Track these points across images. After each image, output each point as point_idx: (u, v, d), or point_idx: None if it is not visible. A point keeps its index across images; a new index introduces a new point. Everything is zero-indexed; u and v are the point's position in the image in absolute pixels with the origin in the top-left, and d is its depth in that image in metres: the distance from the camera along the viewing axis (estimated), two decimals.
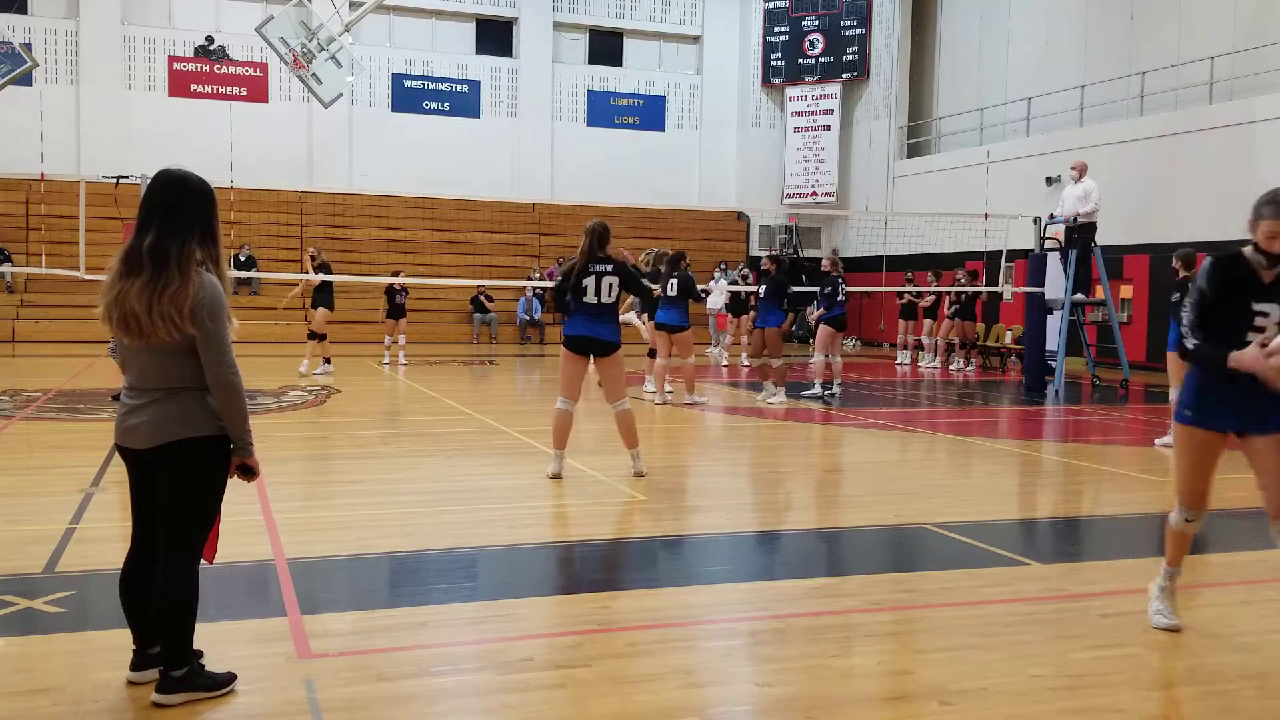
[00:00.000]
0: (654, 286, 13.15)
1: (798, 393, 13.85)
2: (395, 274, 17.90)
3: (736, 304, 20.89)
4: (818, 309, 13.83)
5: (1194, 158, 18.73)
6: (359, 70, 26.07)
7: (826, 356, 13.70)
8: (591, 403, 11.54)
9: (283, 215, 24.22)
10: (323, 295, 15.54)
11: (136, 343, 3.54)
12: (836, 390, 13.65)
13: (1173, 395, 9.99)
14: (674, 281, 12.53)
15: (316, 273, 15.49)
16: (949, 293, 19.20)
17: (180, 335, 3.50)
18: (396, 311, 17.76)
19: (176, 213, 3.57)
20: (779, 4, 28.65)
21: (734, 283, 21.29)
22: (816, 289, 13.83)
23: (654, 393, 13.30)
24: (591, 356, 7.85)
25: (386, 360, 17.79)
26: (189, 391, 3.59)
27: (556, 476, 7.80)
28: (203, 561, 3.78)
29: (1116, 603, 4.98)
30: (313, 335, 15.72)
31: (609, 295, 7.72)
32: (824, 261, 14.30)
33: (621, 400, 7.94)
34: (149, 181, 3.67)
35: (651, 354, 13.76)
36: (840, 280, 13.65)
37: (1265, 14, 18.38)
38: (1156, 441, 10.13)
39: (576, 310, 7.77)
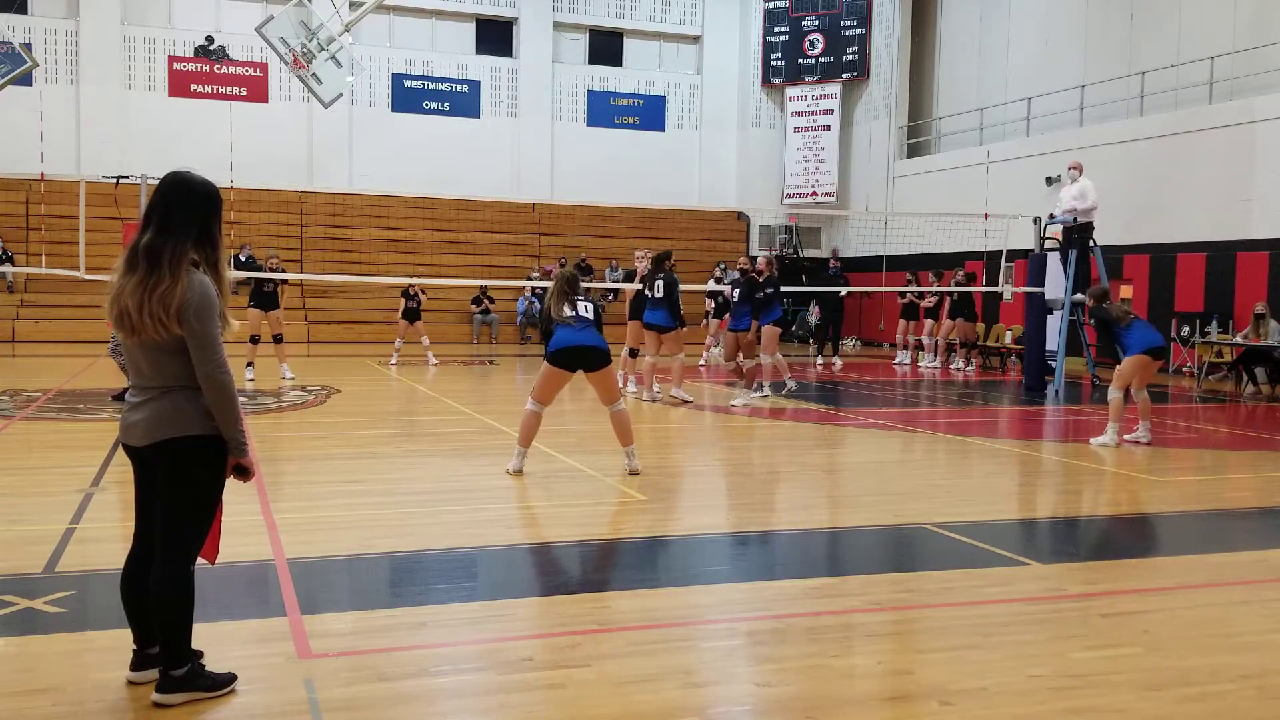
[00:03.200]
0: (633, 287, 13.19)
1: (764, 393, 13.87)
2: (410, 286, 18.11)
3: (719, 307, 20.85)
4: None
5: (1194, 158, 18.74)
6: (359, 70, 26.07)
7: (773, 356, 13.66)
8: (591, 402, 11.54)
9: (283, 215, 24.21)
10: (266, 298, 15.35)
11: (131, 340, 3.58)
12: (766, 390, 13.52)
13: (1113, 395, 10.05)
14: (659, 282, 12.57)
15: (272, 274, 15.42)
16: (949, 293, 19.20)
17: (167, 334, 3.52)
18: (410, 314, 17.94)
19: (174, 213, 3.60)
20: (779, 4, 28.65)
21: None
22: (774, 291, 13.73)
23: (635, 391, 13.33)
24: (581, 371, 7.94)
25: (394, 361, 17.80)
26: (183, 390, 3.60)
27: (518, 473, 7.86)
28: (205, 562, 3.79)
29: (1116, 603, 4.99)
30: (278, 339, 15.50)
31: (586, 312, 8.00)
32: (760, 260, 14.03)
33: (617, 402, 8.08)
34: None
35: (632, 353, 13.76)
36: (776, 280, 13.62)
37: (1265, 14, 18.38)
38: (1093, 441, 10.15)
39: (559, 327, 7.96)
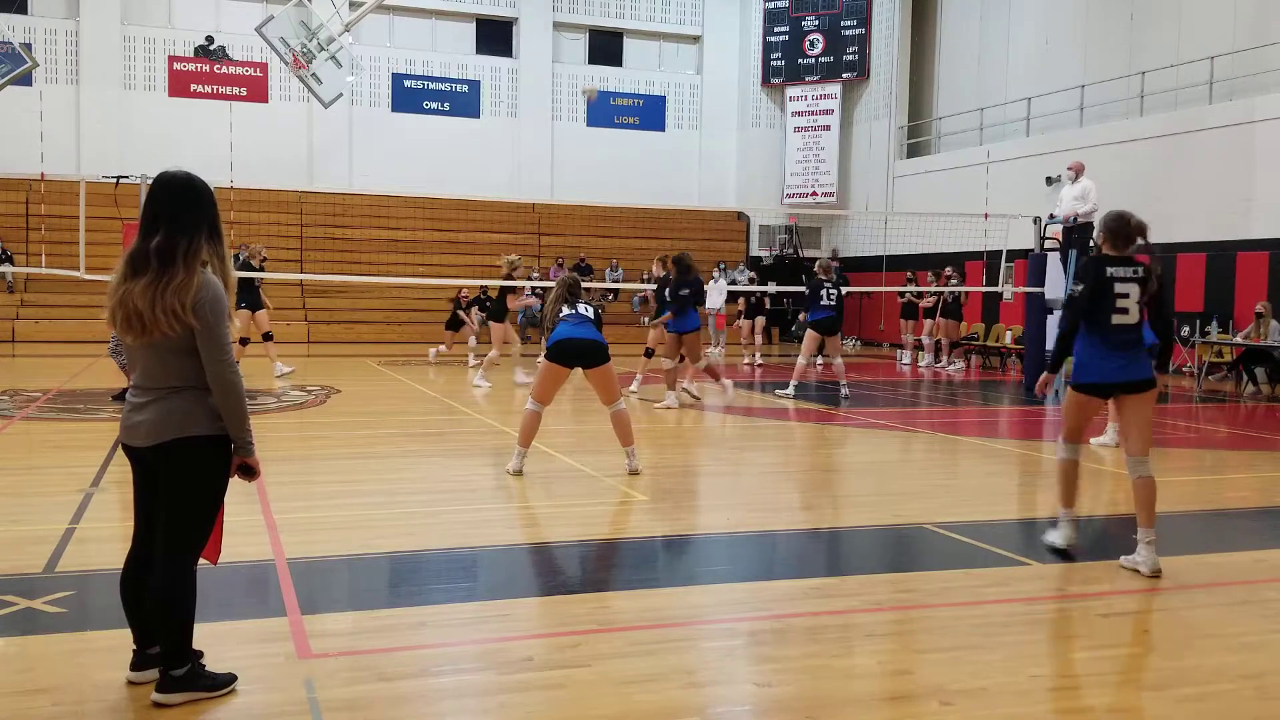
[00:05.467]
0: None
1: (773, 390, 14.00)
2: (460, 291, 18.38)
3: (749, 307, 21.20)
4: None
5: (1194, 158, 18.73)
6: (359, 70, 26.06)
7: (809, 359, 13.91)
8: (591, 402, 11.53)
9: (283, 215, 24.21)
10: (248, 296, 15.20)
11: (139, 341, 3.56)
12: (845, 391, 13.70)
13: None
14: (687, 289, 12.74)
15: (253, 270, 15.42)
16: (944, 293, 19.24)
17: (182, 328, 3.51)
18: (455, 323, 18.32)
19: (184, 214, 3.60)
20: (779, 4, 28.64)
21: (732, 282, 21.41)
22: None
23: (634, 390, 13.47)
24: (580, 370, 7.98)
25: (432, 358, 18.04)
26: (190, 390, 3.60)
27: (518, 473, 7.84)
28: (206, 562, 3.79)
29: (1116, 603, 4.99)
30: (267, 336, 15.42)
31: (586, 312, 8.08)
32: (819, 264, 14.41)
33: (617, 402, 8.08)
34: (151, 183, 3.68)
35: (648, 354, 13.93)
36: (825, 283, 13.70)
37: (1265, 14, 18.38)
38: (1093, 441, 10.16)
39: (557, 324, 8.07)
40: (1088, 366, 5.66)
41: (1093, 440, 10.16)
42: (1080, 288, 5.61)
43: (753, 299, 21.18)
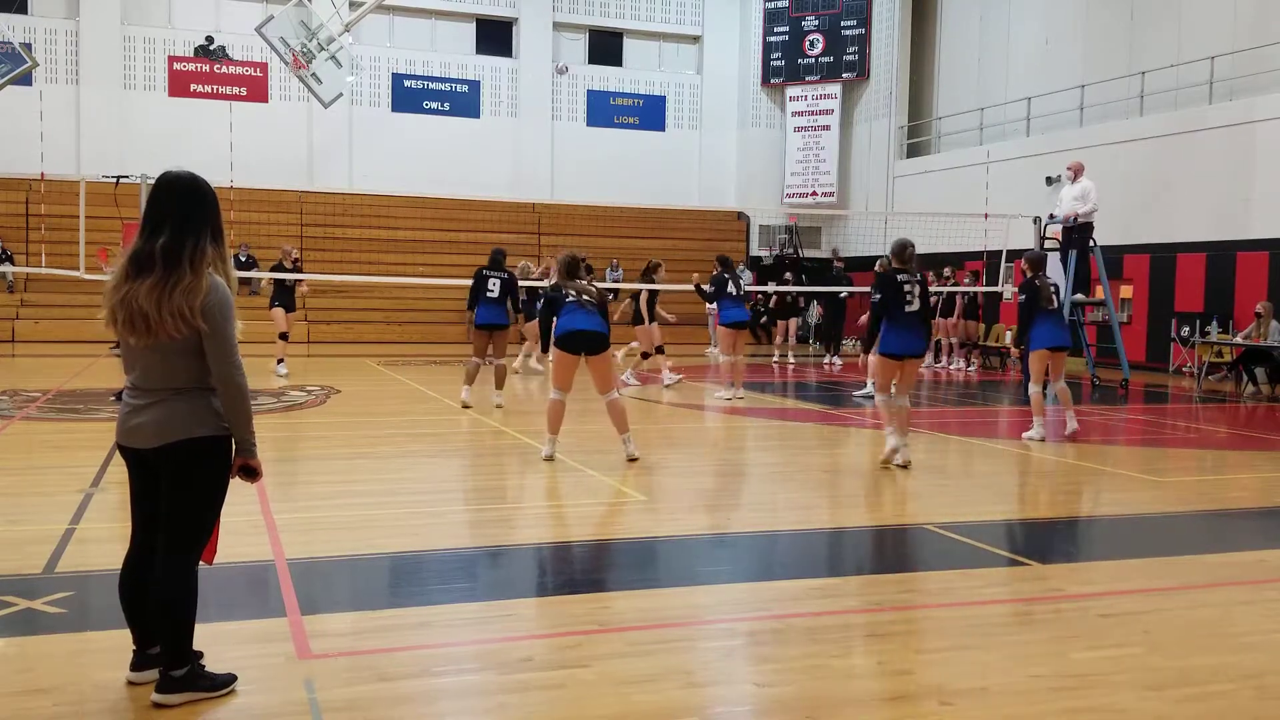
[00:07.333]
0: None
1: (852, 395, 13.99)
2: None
3: (784, 307, 21.60)
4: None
5: (1194, 158, 18.73)
6: (359, 70, 26.05)
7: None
8: (591, 403, 11.53)
9: (283, 215, 24.20)
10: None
11: (143, 342, 3.54)
12: (734, 393, 13.55)
13: (1033, 390, 10.27)
14: (742, 280, 13.66)
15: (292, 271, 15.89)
16: (963, 293, 19.26)
17: (189, 331, 3.50)
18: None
19: (190, 214, 3.59)
20: (779, 4, 28.64)
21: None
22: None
23: (675, 382, 13.85)
24: (583, 355, 8.35)
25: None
26: (194, 392, 3.60)
27: (550, 459, 8.29)
28: (202, 563, 3.79)
29: (1116, 603, 4.98)
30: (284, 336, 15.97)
31: (588, 299, 8.44)
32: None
33: (611, 392, 8.45)
34: (155, 184, 3.67)
35: (644, 355, 14.48)
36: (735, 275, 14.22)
37: (1265, 14, 18.37)
38: (1024, 435, 10.39)
39: (561, 314, 8.37)
40: (887, 340, 8.46)
41: (1024, 434, 10.45)
42: (880, 296, 8.42)
43: (789, 299, 21.54)
